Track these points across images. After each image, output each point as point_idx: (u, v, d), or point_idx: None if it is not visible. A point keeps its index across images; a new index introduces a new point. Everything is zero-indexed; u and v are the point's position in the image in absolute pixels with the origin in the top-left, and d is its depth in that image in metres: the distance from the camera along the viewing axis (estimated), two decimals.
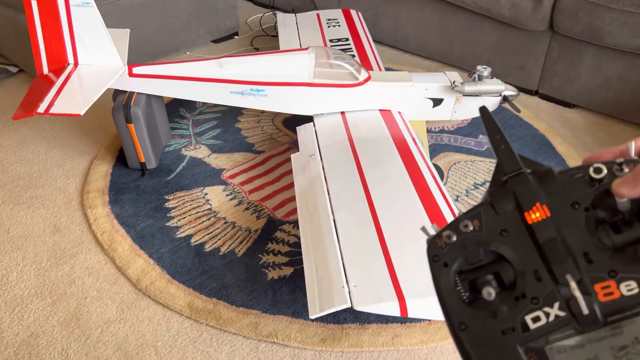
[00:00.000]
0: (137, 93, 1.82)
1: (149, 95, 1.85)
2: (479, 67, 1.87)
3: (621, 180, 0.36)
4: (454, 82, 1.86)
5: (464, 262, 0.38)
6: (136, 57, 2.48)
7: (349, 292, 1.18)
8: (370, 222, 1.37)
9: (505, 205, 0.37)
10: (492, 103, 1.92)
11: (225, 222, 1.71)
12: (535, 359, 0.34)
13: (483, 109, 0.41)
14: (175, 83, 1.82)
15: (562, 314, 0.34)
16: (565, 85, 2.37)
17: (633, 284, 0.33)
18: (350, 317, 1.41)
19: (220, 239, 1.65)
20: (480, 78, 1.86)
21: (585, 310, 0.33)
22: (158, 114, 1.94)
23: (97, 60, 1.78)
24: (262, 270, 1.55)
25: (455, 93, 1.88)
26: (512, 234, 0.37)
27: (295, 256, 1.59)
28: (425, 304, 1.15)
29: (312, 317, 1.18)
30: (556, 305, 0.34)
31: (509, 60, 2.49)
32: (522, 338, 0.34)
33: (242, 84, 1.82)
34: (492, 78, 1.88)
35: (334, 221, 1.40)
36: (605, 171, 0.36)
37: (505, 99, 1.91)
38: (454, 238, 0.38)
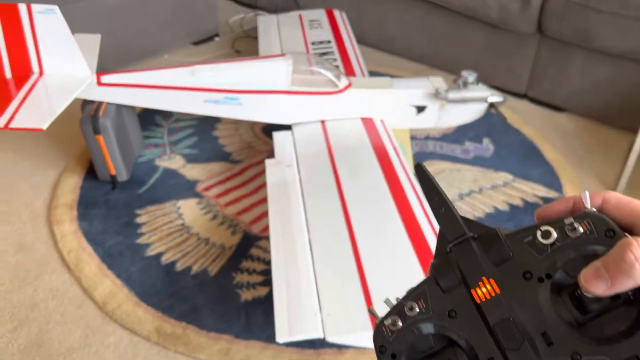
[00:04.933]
0: (107, 103, 1.74)
1: (119, 105, 1.77)
2: (463, 73, 1.80)
3: (592, 274, 0.29)
4: (437, 88, 1.79)
5: (414, 350, 0.33)
6: (112, 62, 2.39)
7: (322, 320, 1.11)
8: (347, 244, 1.29)
9: (450, 280, 0.33)
10: (478, 110, 1.85)
11: (199, 239, 1.64)
12: None
13: (418, 167, 0.36)
14: (146, 92, 1.74)
15: None
16: (555, 88, 2.30)
17: None
18: (326, 341, 1.34)
19: (192, 257, 1.57)
20: (465, 84, 1.79)
21: None
22: (129, 124, 1.86)
23: (63, 69, 1.69)
24: (235, 291, 1.47)
25: (439, 100, 1.81)
26: (461, 315, 0.32)
27: (270, 275, 1.52)
28: None
29: (279, 340, 1.11)
30: None
31: (496, 63, 2.42)
32: None
33: (216, 92, 1.74)
34: (477, 84, 1.81)
35: (309, 241, 1.32)
36: (554, 234, 0.31)
37: (491, 105, 1.84)
38: (400, 324, 0.33)
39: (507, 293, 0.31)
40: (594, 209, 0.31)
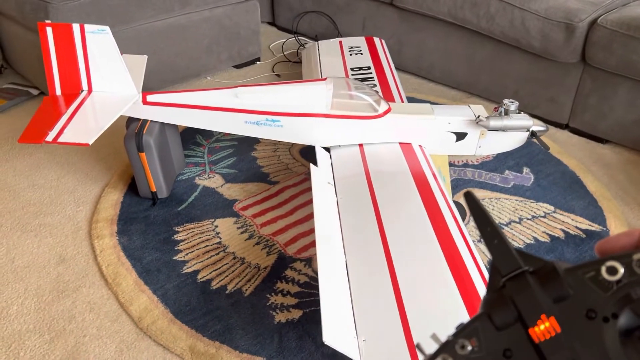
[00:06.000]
0: (151, 121, 1.78)
1: (162, 124, 1.81)
2: (505, 101, 1.78)
3: None
4: (478, 116, 1.78)
5: None
6: (156, 82, 2.46)
7: (359, 346, 1.09)
8: (384, 269, 1.28)
9: (505, 317, 0.30)
10: (519, 139, 1.82)
11: (234, 258, 1.64)
12: None
13: (468, 195, 0.34)
14: (190, 112, 1.77)
15: None
16: (598, 119, 2.25)
17: None
18: None
19: (227, 276, 1.58)
20: (507, 112, 1.77)
21: None
22: (172, 142, 1.89)
23: (111, 88, 1.75)
24: (269, 312, 1.47)
25: (479, 127, 1.79)
26: (517, 355, 0.30)
27: (305, 298, 1.51)
28: None
29: (326, 342, 1.06)
30: None
31: (538, 92, 2.39)
32: None
33: (258, 114, 1.76)
34: (519, 112, 1.79)
35: (346, 264, 1.31)
36: (621, 270, 0.28)
37: (533, 134, 1.81)
38: None
39: (569, 333, 0.29)
40: None
